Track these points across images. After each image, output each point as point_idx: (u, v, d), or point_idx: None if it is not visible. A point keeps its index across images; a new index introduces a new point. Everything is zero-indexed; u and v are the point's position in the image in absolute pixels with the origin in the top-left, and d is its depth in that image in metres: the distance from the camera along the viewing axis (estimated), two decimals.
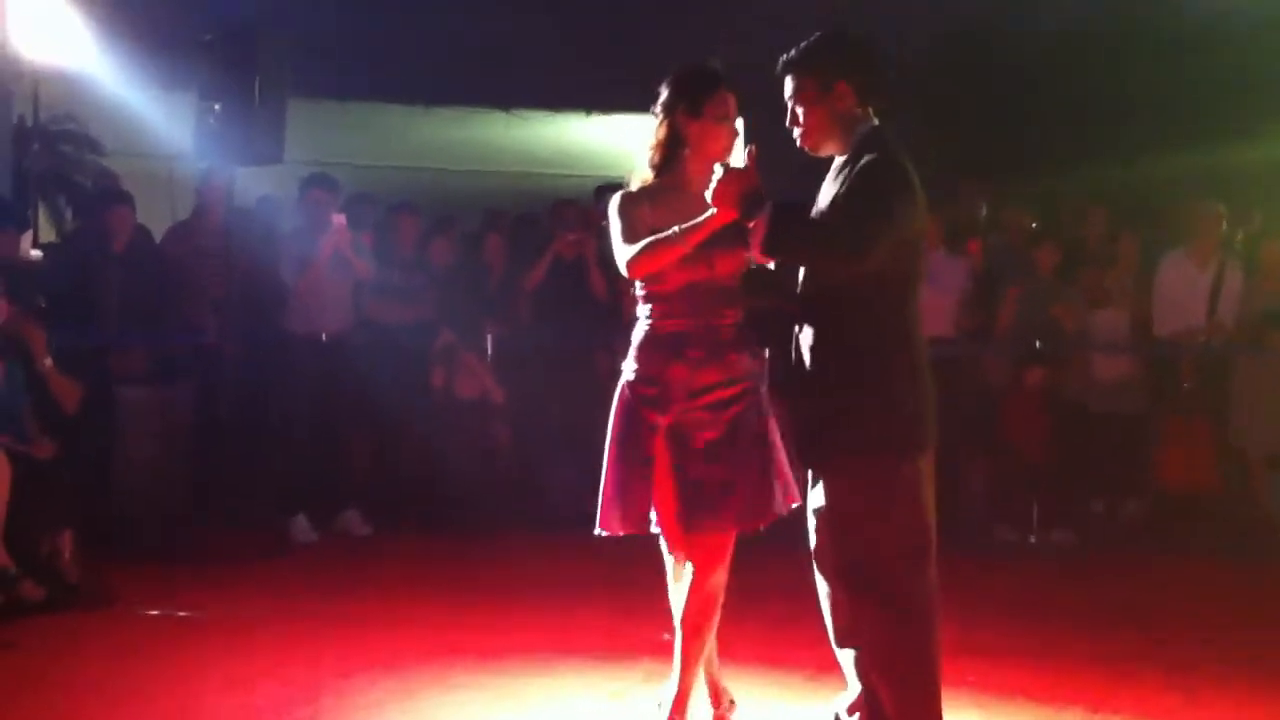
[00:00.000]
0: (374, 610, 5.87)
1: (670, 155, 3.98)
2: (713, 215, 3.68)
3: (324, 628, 5.47)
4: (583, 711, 4.61)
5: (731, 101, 4.00)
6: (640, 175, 4.05)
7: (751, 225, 3.53)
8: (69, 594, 5.82)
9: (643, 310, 4.04)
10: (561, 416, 8.03)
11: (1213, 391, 7.98)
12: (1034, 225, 8.78)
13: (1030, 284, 8.13)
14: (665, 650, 5.30)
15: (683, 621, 4.14)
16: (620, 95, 11.10)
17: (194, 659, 5.01)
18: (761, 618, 5.79)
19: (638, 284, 4.00)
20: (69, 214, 9.17)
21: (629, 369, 4.07)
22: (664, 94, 4.02)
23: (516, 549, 7.15)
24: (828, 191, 3.67)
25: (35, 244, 7.46)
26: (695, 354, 3.95)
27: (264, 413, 7.53)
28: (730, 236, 3.78)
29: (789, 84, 3.73)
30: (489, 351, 8.17)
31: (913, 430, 3.63)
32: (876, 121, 3.73)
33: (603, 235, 8.71)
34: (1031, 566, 7.31)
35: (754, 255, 3.68)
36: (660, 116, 4.00)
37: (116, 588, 5.97)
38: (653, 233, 3.86)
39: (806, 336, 3.66)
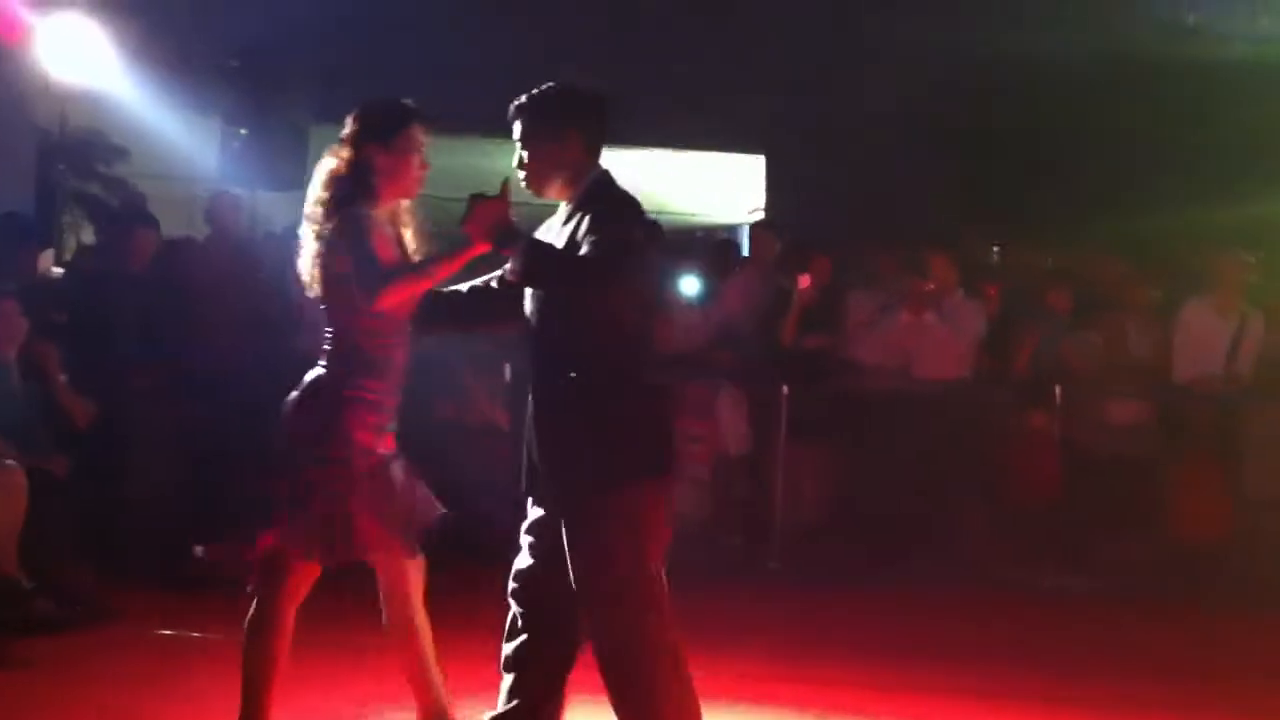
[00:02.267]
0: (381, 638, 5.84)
1: (363, 186, 3.94)
2: (467, 246, 3.68)
3: (339, 654, 5.42)
4: None
5: (421, 136, 4.01)
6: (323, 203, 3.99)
7: (508, 254, 3.60)
8: (81, 612, 5.82)
9: (366, 333, 3.89)
10: None
11: (1227, 439, 7.97)
12: (1049, 268, 8.82)
13: (1046, 327, 8.16)
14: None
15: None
16: (639, 131, 11.19)
17: (205, 681, 4.97)
18: (767, 653, 5.80)
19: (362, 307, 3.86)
20: (91, 231, 9.22)
21: (362, 392, 3.91)
22: (352, 126, 3.99)
23: None
24: (559, 234, 3.74)
25: (57, 261, 7.50)
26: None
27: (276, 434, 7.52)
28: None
29: (517, 128, 3.83)
30: (507, 382, 8.19)
31: (643, 459, 3.74)
32: (604, 168, 3.85)
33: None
34: (1038, 610, 7.28)
35: (509, 280, 3.73)
36: (349, 148, 3.97)
37: (128, 606, 5.97)
38: None
39: (539, 372, 3.76)
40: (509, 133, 3.87)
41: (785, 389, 8.19)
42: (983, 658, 5.86)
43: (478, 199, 3.63)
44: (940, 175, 10.52)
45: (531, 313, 3.77)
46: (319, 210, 3.95)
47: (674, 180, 12.45)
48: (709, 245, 10.45)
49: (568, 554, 3.74)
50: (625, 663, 3.73)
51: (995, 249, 9.13)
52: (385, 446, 3.96)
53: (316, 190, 3.98)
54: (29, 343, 6.36)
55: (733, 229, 12.78)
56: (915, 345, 8.33)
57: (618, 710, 3.75)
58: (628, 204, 3.74)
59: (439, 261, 3.80)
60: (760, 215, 11.99)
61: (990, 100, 10.76)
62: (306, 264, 3.96)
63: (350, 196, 3.90)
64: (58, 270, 7.49)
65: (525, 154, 3.81)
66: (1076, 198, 10.38)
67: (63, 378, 6.45)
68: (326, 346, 3.95)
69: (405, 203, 4.04)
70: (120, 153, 9.26)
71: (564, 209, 3.81)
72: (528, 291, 3.76)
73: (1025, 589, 7.70)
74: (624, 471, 3.69)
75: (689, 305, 8.73)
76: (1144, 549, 8.13)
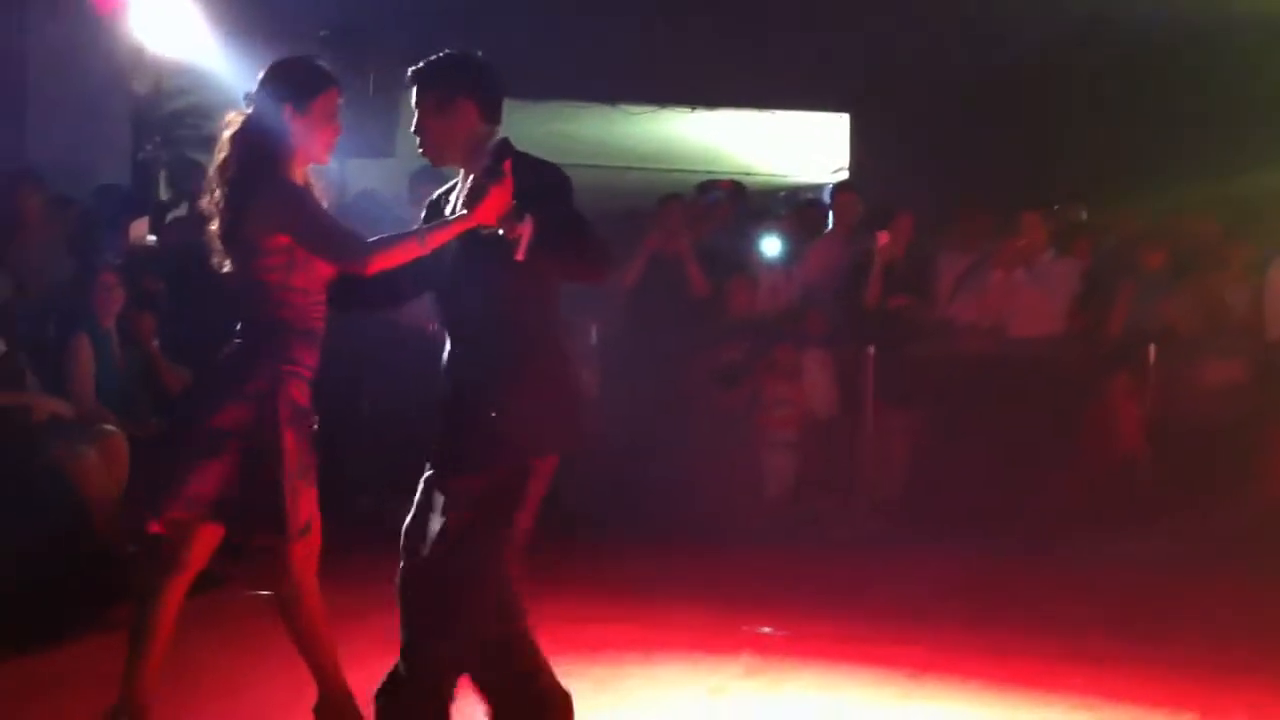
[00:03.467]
0: None
1: (277, 150, 3.84)
2: (462, 218, 3.57)
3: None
4: (682, 705, 4.64)
5: (337, 101, 3.94)
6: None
7: (516, 233, 3.50)
8: None
9: (295, 306, 3.82)
10: (659, 415, 8.08)
11: None
12: (1140, 226, 8.67)
13: (1139, 286, 8.03)
14: (764, 645, 5.35)
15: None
16: (724, 91, 11.16)
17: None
18: (859, 615, 5.81)
19: (290, 274, 3.80)
20: (184, 200, 9.37)
21: (295, 366, 3.86)
22: (266, 88, 3.88)
23: (612, 546, 7.14)
24: (459, 200, 3.68)
25: (151, 231, 7.66)
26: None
27: (369, 401, 7.63)
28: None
29: (414, 95, 3.76)
30: (593, 346, 8.23)
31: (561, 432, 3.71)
32: (504, 136, 3.77)
33: (701, 232, 8.83)
34: (1127, 574, 7.18)
35: (518, 257, 3.57)
36: (263, 110, 3.87)
37: (224, 569, 6.10)
38: None
39: (465, 344, 3.70)
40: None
41: (871, 351, 8.15)
42: (1070, 620, 5.82)
43: (490, 179, 3.55)
44: (1029, 133, 10.36)
45: (450, 290, 3.71)
46: (228, 176, 3.82)
47: (758, 141, 12.40)
48: (793, 206, 10.38)
49: (441, 515, 3.67)
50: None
51: (1086, 207, 8.97)
52: (312, 419, 3.92)
53: (223, 153, 3.85)
54: (126, 312, 6.52)
55: (817, 189, 12.69)
56: (1006, 305, 8.25)
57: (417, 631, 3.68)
58: (547, 167, 3.69)
59: (432, 230, 3.67)
60: (844, 175, 11.92)
61: (1081, 57, 10.56)
62: (220, 236, 3.83)
63: (264, 161, 3.81)
64: (152, 239, 7.64)
65: (420, 124, 3.73)
66: (1169, 155, 10.16)
67: (156, 344, 6.59)
68: (247, 321, 3.85)
69: (311, 168, 3.93)
70: (211, 112, 9.37)
71: (465, 179, 3.75)
72: (445, 269, 3.68)
73: (1113, 553, 7.60)
74: (544, 445, 3.67)
75: (773, 267, 8.70)
76: (1236, 513, 7.99)
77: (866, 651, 5.26)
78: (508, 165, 3.55)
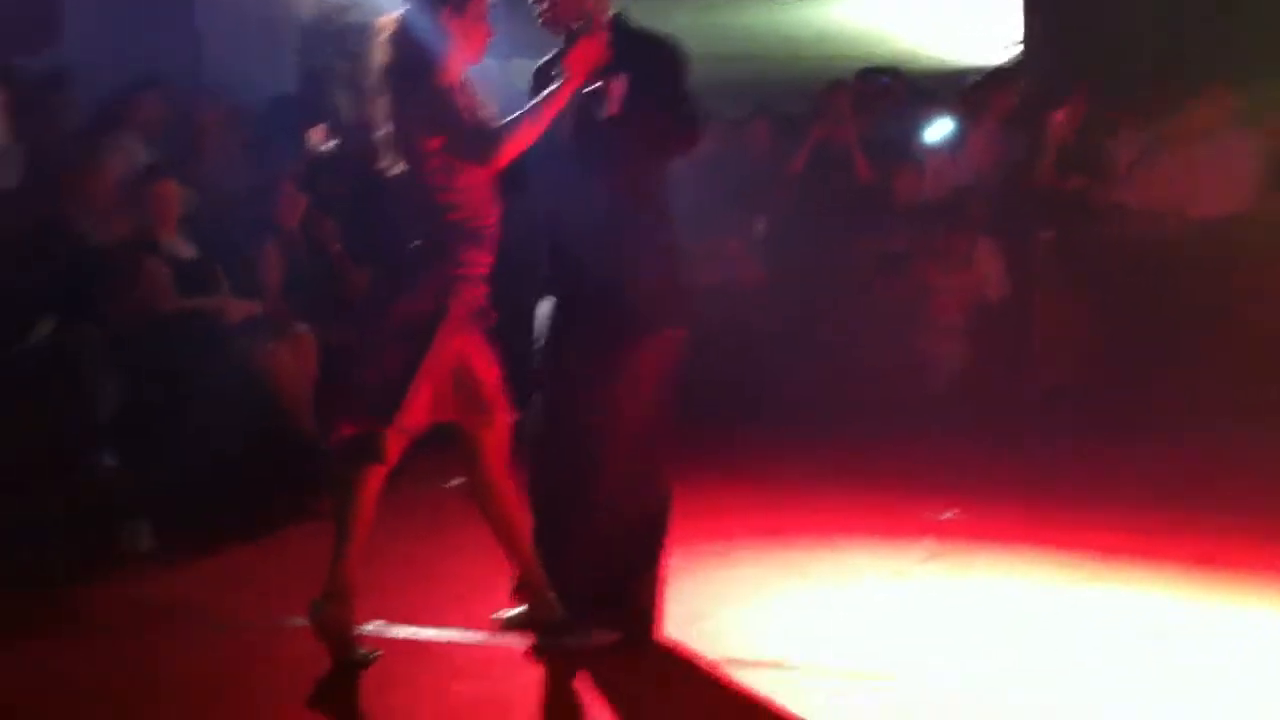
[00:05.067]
0: None
1: (433, 54, 3.85)
2: (567, 83, 3.69)
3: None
4: (867, 588, 4.68)
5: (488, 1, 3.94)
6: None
7: (608, 89, 3.66)
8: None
9: (460, 207, 3.85)
10: (827, 305, 8.03)
11: None
12: None
13: None
14: (946, 530, 5.35)
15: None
16: None
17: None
18: (1039, 501, 5.77)
19: (451, 176, 3.83)
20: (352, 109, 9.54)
21: (462, 268, 3.89)
22: None
23: (784, 435, 7.07)
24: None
25: (329, 137, 7.82)
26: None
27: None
28: None
29: None
30: (759, 238, 8.21)
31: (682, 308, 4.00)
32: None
33: (865, 119, 8.69)
34: None
35: (609, 112, 3.72)
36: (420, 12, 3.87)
37: (413, 464, 6.28)
38: None
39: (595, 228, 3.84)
40: None
41: (1044, 234, 7.97)
42: (1265, 503, 5.68)
43: (582, 32, 3.65)
44: (1213, 2, 9.85)
45: (564, 172, 3.84)
46: (388, 80, 3.86)
47: (925, 20, 12.07)
48: (960, 89, 10.12)
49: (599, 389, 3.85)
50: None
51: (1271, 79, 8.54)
52: (487, 317, 3.97)
53: (381, 58, 3.87)
54: (307, 217, 6.70)
55: (985, 70, 12.34)
56: (1186, 185, 7.96)
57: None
58: (661, 43, 3.85)
59: (539, 105, 3.75)
60: (1017, 53, 11.53)
61: None
62: (386, 143, 3.89)
63: (421, 65, 3.83)
64: (330, 146, 7.79)
65: None
66: None
67: (338, 247, 6.76)
68: (418, 225, 3.90)
69: (472, 70, 3.95)
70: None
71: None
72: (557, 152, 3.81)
73: None
74: (674, 317, 3.93)
75: (940, 153, 8.52)
76: None
77: (1051, 535, 5.22)
78: (599, 19, 3.67)
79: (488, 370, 3.97)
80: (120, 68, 7.42)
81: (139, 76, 7.27)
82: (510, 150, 3.78)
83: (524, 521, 4.10)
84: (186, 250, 6.00)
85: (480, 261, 3.93)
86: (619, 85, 3.61)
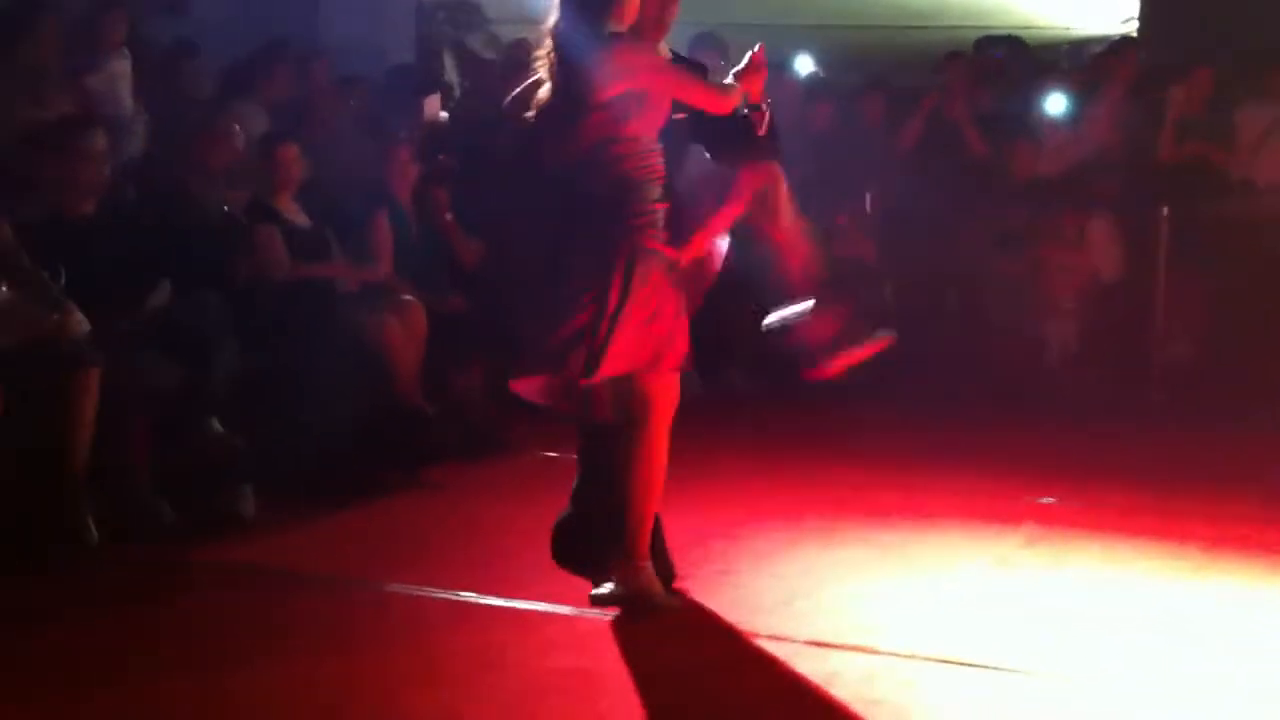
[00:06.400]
0: (756, 466, 6.06)
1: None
2: (738, 93, 4.09)
3: (709, 481, 5.57)
4: (966, 574, 4.65)
5: None
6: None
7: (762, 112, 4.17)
8: (478, 437, 6.29)
9: (630, 156, 3.98)
10: (938, 282, 7.93)
11: None
12: None
13: None
14: (1046, 516, 5.29)
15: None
16: None
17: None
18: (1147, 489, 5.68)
19: (620, 126, 3.96)
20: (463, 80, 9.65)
21: (641, 217, 3.99)
22: None
23: (890, 415, 6.99)
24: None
25: (444, 107, 7.90)
26: None
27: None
28: None
29: None
30: (869, 213, 8.12)
31: None
32: None
33: (982, 92, 8.52)
34: None
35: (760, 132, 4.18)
36: None
37: (517, 433, 6.38)
38: None
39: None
40: None
41: (1165, 211, 7.78)
42: None
43: (755, 64, 4.06)
44: None
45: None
46: (557, 35, 3.96)
47: None
48: (1079, 61, 9.91)
49: None
50: None
51: None
52: (671, 260, 4.04)
53: (552, 15, 3.98)
54: (421, 185, 6.78)
55: (1105, 41, 12.05)
56: None
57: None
58: None
59: (730, 89, 4.07)
60: (1135, 24, 11.24)
61: None
62: (553, 96, 3.99)
63: (593, 16, 3.94)
64: (444, 115, 7.88)
65: None
66: None
67: (450, 217, 6.84)
68: (589, 183, 3.98)
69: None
70: (478, 8, 9.59)
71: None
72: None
73: None
74: None
75: (1058, 127, 8.35)
76: None
77: (1155, 525, 5.14)
78: (761, 53, 4.09)
79: (674, 319, 4.02)
80: (243, 34, 7.57)
81: (265, 43, 7.40)
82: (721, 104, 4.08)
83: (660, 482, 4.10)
84: (301, 218, 6.12)
85: (652, 210, 4.01)
86: (768, 113, 4.17)
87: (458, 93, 8.52)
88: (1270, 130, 7.90)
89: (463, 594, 4.27)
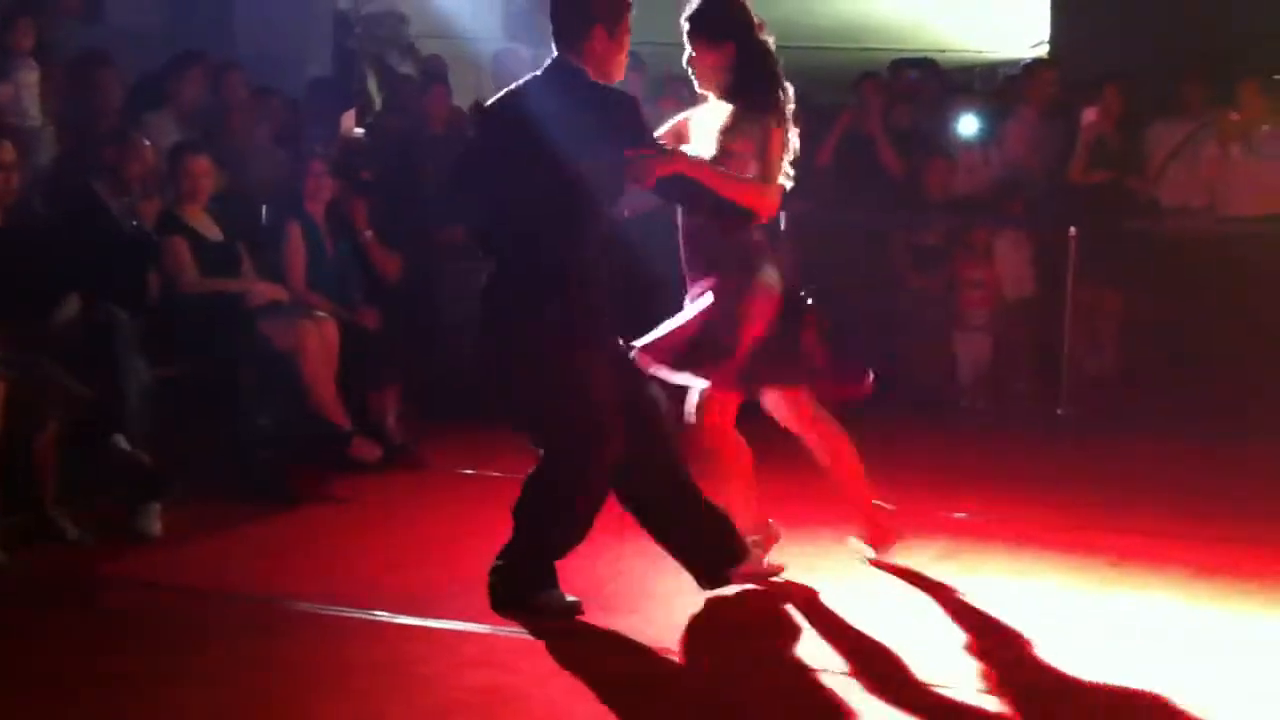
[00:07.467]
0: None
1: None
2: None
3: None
4: (877, 587, 4.68)
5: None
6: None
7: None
8: (394, 453, 6.24)
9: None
10: (854, 297, 7.99)
11: None
12: None
13: None
14: (959, 530, 5.33)
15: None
16: None
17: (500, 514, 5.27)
18: (1055, 502, 5.75)
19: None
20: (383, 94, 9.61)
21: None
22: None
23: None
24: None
25: (359, 123, 7.85)
26: None
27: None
28: None
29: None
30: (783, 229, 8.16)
31: None
32: None
33: (897, 112, 8.61)
34: None
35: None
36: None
37: (433, 450, 6.35)
38: None
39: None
40: None
41: (1073, 230, 7.92)
42: (1272, 507, 5.66)
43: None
44: None
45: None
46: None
47: (951, 13, 12.00)
48: (991, 83, 10.07)
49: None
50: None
51: None
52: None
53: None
54: (338, 199, 6.73)
55: (1015, 65, 12.27)
56: (1220, 182, 7.90)
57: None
58: None
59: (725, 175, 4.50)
60: (1044, 49, 11.45)
61: None
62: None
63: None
64: (359, 131, 7.84)
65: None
66: None
67: (370, 232, 6.79)
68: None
69: None
70: (403, 19, 9.55)
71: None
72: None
73: None
74: None
75: (971, 147, 8.48)
76: None
77: (1065, 539, 5.22)
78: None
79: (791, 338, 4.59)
80: (160, 45, 7.46)
81: (180, 52, 7.30)
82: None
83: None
84: (212, 230, 6.04)
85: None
86: None
87: (377, 106, 8.48)
88: (1175, 152, 8.07)
89: (377, 613, 4.23)
